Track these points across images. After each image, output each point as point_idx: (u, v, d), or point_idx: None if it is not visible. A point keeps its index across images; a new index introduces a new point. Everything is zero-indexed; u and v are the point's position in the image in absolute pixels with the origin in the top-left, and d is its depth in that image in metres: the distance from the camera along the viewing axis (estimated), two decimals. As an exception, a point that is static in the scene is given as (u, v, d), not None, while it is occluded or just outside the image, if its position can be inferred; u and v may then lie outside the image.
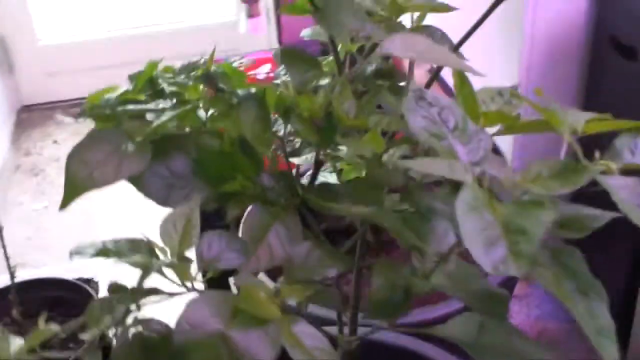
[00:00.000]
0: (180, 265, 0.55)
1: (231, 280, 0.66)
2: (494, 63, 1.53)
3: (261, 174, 0.68)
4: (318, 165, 0.70)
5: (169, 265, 0.55)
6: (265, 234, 0.64)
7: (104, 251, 0.61)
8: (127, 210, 1.98)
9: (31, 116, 2.56)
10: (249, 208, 0.66)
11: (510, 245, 0.45)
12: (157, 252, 0.59)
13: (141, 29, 2.59)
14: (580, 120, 0.56)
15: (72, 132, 2.40)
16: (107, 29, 2.59)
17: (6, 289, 1.20)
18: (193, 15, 2.62)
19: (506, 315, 0.55)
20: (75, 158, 0.66)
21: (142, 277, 0.53)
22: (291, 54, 0.68)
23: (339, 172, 0.91)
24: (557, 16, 1.33)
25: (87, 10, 2.61)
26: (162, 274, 0.58)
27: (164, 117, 0.71)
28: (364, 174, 0.94)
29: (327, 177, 0.85)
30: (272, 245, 0.64)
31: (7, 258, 1.12)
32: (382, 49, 0.65)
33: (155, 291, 0.56)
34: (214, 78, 0.76)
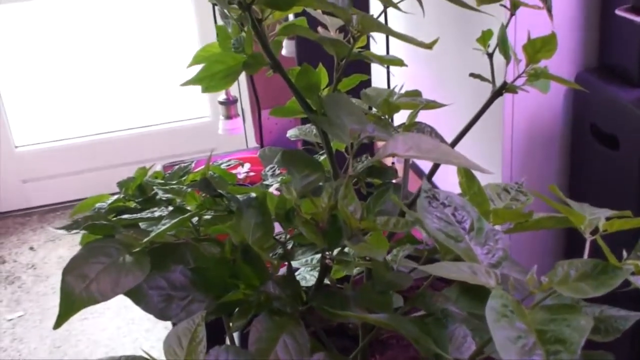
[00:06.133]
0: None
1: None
2: (476, 157, 1.53)
3: (266, 282, 0.65)
4: (324, 270, 0.67)
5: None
6: (274, 346, 0.61)
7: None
8: (107, 320, 1.92)
9: (7, 223, 2.50)
10: (255, 319, 0.63)
11: (548, 356, 0.42)
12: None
13: (116, 133, 2.58)
14: (601, 217, 0.54)
15: (47, 237, 2.35)
16: (83, 134, 2.57)
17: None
18: (170, 117, 2.62)
19: None
20: (72, 272, 0.63)
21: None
22: (292, 157, 0.67)
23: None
24: (536, 107, 1.34)
25: (62, 115, 2.60)
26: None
27: (162, 227, 0.69)
28: (354, 271, 0.91)
29: (305, 275, 0.82)
30: (281, 358, 0.61)
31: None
32: (386, 150, 0.64)
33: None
34: (211, 184, 0.74)
